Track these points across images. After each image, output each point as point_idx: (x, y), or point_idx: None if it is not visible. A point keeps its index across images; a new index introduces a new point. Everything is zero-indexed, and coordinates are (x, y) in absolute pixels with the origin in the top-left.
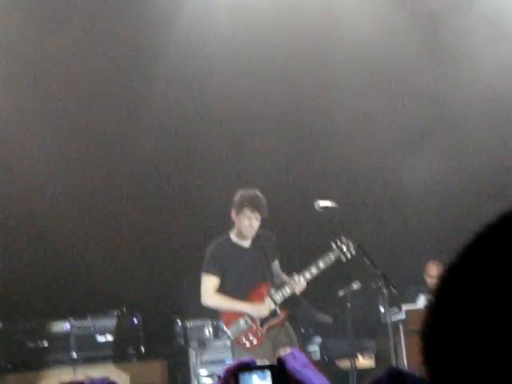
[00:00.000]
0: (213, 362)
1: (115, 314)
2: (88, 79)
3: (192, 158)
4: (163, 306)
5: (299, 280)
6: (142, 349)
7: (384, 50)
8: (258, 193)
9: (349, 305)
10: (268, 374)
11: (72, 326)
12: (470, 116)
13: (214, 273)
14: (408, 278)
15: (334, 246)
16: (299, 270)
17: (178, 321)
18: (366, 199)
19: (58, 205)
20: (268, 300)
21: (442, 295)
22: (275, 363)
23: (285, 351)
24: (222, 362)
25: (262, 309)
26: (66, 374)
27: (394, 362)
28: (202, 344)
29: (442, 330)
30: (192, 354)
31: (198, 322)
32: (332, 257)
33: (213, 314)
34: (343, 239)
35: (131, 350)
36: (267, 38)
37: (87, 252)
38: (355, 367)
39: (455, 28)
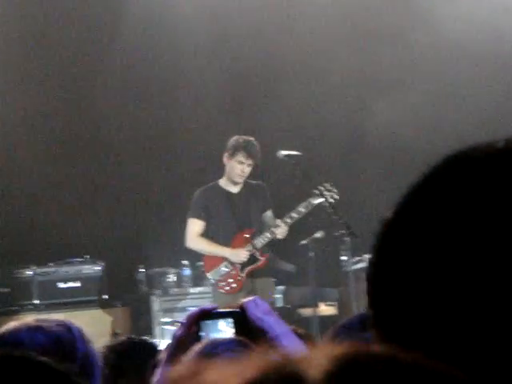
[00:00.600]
0: (175, 310)
1: (78, 261)
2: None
3: (159, 108)
4: (126, 253)
5: (279, 225)
6: (105, 296)
7: None
8: (253, 140)
9: (311, 253)
10: (230, 320)
11: (34, 273)
12: (441, 63)
13: (199, 217)
14: (371, 228)
15: (315, 191)
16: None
17: (141, 268)
18: (330, 147)
19: (21, 153)
20: (248, 245)
21: (384, 236)
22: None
23: (247, 299)
24: (184, 309)
25: (241, 254)
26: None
27: (355, 310)
28: (165, 292)
29: (387, 270)
30: (155, 301)
31: (161, 270)
32: (313, 201)
33: (176, 262)
34: (326, 185)
35: (94, 297)
36: None
37: (51, 199)
38: (317, 315)
39: None
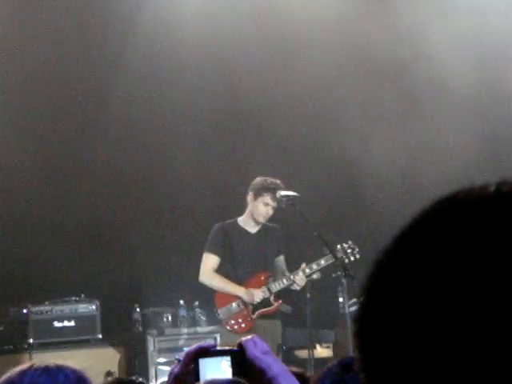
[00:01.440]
0: (170, 350)
1: (74, 300)
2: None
3: (156, 148)
4: (122, 292)
5: (298, 274)
6: (100, 335)
7: (353, 26)
8: (280, 182)
9: (308, 295)
10: (228, 359)
11: (29, 312)
12: (438, 97)
13: (215, 252)
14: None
15: (338, 247)
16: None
17: (137, 308)
18: (328, 187)
19: (17, 191)
20: (263, 288)
21: (375, 278)
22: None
23: (246, 337)
24: (179, 349)
25: (255, 295)
26: (22, 359)
27: (351, 352)
28: (161, 331)
29: (376, 312)
30: (150, 341)
31: (156, 310)
32: (334, 257)
33: (172, 302)
34: (350, 242)
35: (89, 337)
36: None
37: (46, 237)
38: (313, 357)
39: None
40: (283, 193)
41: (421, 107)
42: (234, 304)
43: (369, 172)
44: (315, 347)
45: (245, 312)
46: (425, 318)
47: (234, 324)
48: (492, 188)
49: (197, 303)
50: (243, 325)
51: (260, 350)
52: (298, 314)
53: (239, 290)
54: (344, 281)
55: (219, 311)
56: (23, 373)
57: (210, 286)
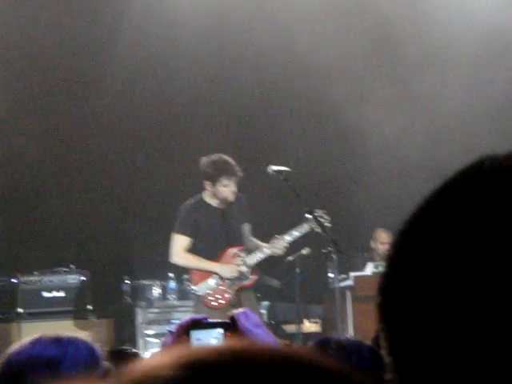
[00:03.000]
0: (159, 322)
1: (63, 270)
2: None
3: (150, 116)
4: (112, 264)
5: (275, 243)
6: (89, 306)
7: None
8: (225, 157)
9: (298, 270)
10: (220, 331)
11: (18, 281)
12: (441, 76)
13: (187, 234)
14: (356, 246)
15: (309, 216)
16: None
17: (127, 280)
18: (318, 164)
19: (10, 160)
20: (239, 261)
21: (398, 247)
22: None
23: (237, 310)
24: (168, 321)
25: (232, 270)
26: (10, 328)
27: (339, 327)
28: (150, 303)
29: (401, 283)
30: (139, 313)
31: (146, 282)
32: (306, 227)
33: (161, 275)
34: (319, 211)
35: (78, 307)
36: None
37: (38, 209)
38: (301, 332)
39: None
40: (275, 168)
41: (419, 82)
42: (210, 279)
43: (364, 141)
44: (303, 322)
45: (222, 287)
46: (451, 290)
47: (213, 300)
48: None
49: (186, 276)
50: (221, 301)
51: (252, 322)
52: (286, 289)
53: (215, 266)
54: (334, 256)
55: (196, 287)
56: (34, 342)
57: (184, 266)
